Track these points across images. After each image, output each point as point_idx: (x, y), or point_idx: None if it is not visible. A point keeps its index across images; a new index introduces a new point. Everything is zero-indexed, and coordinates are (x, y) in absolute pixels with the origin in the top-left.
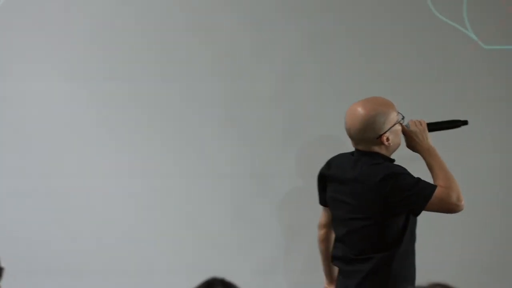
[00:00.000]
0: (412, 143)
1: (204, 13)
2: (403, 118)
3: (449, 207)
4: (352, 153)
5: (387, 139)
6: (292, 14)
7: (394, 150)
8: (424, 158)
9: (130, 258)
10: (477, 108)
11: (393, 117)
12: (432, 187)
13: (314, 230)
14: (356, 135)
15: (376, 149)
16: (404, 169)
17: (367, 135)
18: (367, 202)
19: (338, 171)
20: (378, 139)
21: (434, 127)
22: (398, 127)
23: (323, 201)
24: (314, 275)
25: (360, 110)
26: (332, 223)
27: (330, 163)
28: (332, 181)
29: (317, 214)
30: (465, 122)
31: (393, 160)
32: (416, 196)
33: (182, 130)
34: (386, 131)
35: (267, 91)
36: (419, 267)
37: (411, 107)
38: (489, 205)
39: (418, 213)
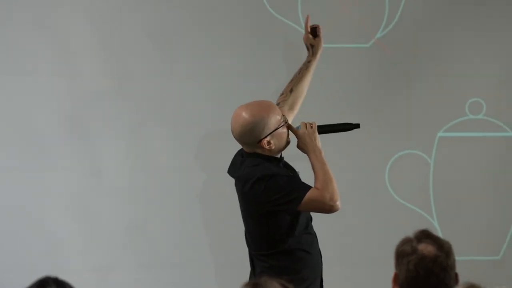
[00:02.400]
0: (301, 144)
1: (45, 10)
2: (286, 122)
3: (323, 207)
4: (242, 154)
5: (268, 143)
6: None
7: (280, 151)
8: (310, 159)
9: None
10: (315, 105)
11: (274, 121)
12: (306, 189)
13: (155, 226)
14: (238, 139)
15: (259, 151)
16: (282, 169)
17: (247, 140)
18: (248, 202)
19: (232, 169)
20: (259, 143)
21: (325, 129)
22: (282, 130)
23: None
24: (154, 271)
25: (242, 115)
26: None
27: (232, 161)
28: (232, 178)
29: (159, 209)
30: (357, 126)
31: (279, 160)
32: (288, 197)
33: (24, 125)
34: (266, 136)
35: (109, 88)
36: None
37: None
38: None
39: (292, 214)
